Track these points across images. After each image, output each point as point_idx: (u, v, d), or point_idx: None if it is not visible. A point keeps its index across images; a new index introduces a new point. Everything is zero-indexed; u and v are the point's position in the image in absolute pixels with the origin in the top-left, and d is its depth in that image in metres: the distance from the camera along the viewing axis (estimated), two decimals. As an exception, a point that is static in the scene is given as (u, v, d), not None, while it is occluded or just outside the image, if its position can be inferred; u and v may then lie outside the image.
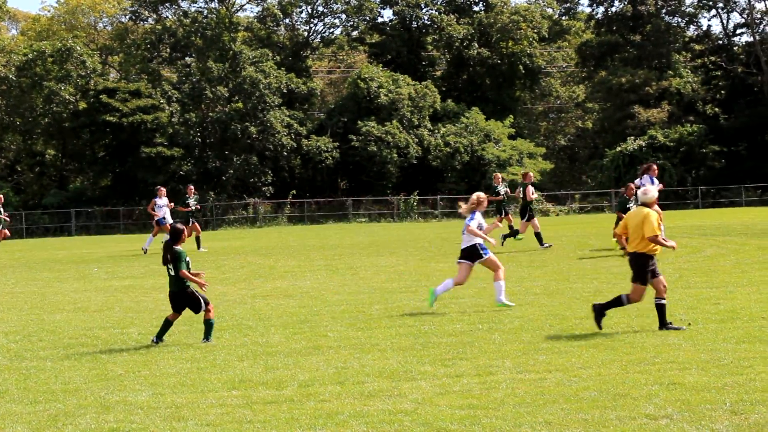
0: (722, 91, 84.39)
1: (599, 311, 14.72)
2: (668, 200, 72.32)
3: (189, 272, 14.76)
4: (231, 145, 70.40)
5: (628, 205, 26.27)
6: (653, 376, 11.22)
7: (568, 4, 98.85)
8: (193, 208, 36.18)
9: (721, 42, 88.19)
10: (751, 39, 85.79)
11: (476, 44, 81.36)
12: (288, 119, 71.28)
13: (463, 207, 18.45)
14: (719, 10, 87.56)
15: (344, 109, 74.26)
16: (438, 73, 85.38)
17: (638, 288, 14.75)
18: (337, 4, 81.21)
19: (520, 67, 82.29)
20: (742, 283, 19.64)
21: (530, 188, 30.91)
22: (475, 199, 18.23)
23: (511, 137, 76.53)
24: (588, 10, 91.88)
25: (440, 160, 72.73)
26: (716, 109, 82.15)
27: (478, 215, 18.15)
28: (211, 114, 70.99)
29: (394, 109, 72.41)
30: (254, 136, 69.43)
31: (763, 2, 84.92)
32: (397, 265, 26.92)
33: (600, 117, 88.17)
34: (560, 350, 13.12)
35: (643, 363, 12.02)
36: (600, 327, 14.54)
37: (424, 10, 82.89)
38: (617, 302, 14.88)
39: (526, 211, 30.98)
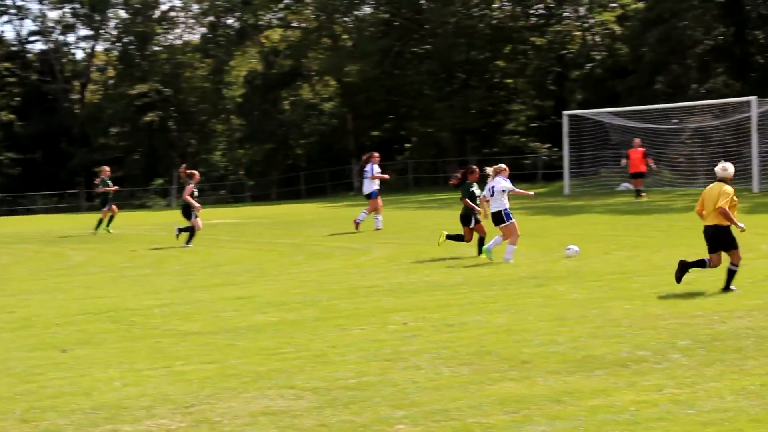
0: (17, 98, 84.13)
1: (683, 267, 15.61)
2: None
3: None
4: None
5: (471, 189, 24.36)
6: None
7: None
8: None
9: (15, 48, 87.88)
10: (46, 47, 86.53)
11: None
12: None
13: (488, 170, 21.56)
14: (12, 17, 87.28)
15: None
16: None
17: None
18: None
19: None
20: (38, 290, 19.69)
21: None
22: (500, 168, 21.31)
23: None
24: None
25: None
26: (11, 116, 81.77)
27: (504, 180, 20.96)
28: None
29: None
30: None
31: (56, 11, 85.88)
32: None
33: None
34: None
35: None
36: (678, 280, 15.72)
37: None
38: (701, 264, 15.68)
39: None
